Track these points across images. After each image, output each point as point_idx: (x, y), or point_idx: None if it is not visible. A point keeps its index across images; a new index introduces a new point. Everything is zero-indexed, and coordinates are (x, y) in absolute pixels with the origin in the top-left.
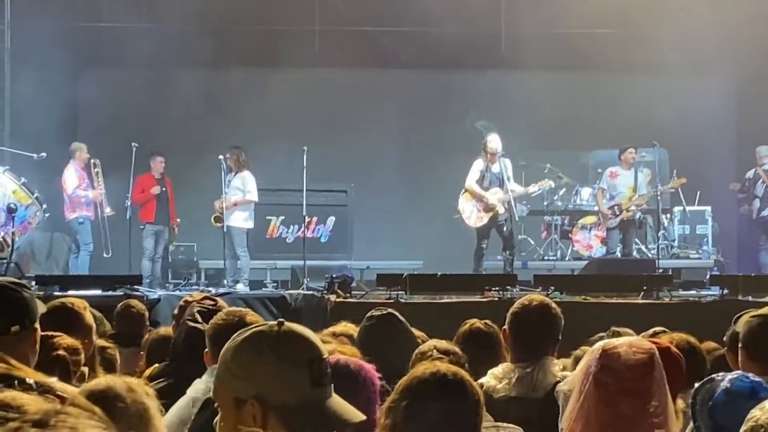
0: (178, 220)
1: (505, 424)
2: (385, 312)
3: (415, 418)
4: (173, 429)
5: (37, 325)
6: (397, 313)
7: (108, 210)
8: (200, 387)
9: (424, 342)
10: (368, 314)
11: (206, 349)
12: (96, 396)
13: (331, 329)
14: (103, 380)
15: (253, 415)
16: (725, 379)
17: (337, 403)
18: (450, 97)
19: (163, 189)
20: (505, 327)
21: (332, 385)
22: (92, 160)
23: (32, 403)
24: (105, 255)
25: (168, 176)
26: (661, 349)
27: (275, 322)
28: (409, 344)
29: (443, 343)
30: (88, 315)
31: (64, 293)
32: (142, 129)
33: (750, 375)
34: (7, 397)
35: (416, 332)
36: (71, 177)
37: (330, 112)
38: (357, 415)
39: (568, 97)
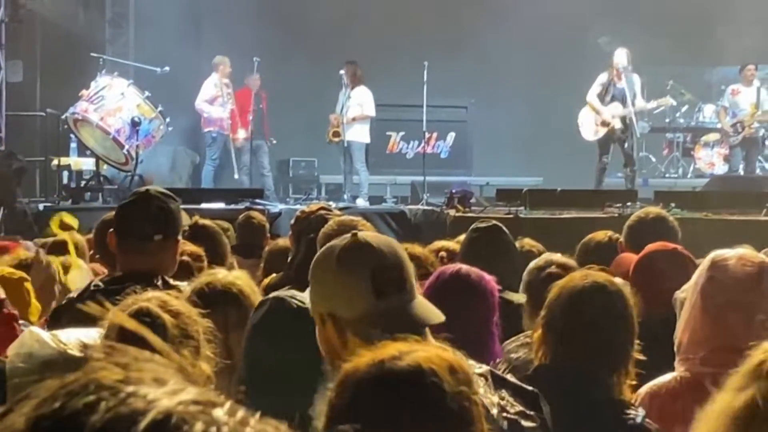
0: (274, 140)
1: None
2: (490, 224)
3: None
4: None
5: (180, 237)
6: (502, 226)
7: (242, 133)
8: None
9: (538, 252)
10: (472, 226)
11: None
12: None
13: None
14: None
15: (331, 332)
16: None
17: (413, 309)
18: (572, 12)
19: (260, 105)
20: (621, 239)
21: (407, 289)
22: (224, 80)
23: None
24: (235, 177)
25: (265, 91)
26: None
27: (348, 235)
28: (514, 257)
29: (558, 257)
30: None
31: (187, 206)
32: (264, 42)
33: None
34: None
35: (530, 242)
36: (204, 89)
37: (451, 27)
38: (437, 317)
39: (692, 12)
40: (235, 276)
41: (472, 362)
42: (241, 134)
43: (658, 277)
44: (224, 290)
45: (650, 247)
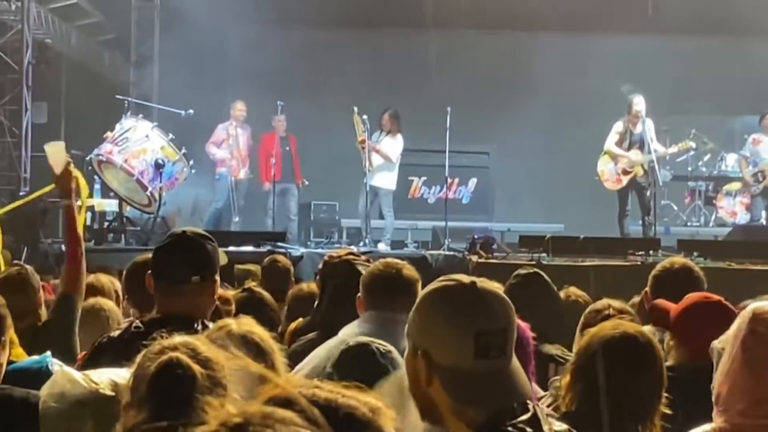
0: (306, 181)
1: None
2: (531, 271)
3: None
4: (321, 366)
5: (217, 277)
6: (543, 273)
7: (243, 173)
8: (353, 330)
9: (585, 302)
10: (515, 273)
11: (359, 294)
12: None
13: None
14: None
15: (421, 367)
16: None
17: (508, 376)
18: (594, 59)
19: (287, 147)
20: (647, 290)
21: (507, 355)
22: (233, 123)
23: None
24: (234, 219)
25: (293, 133)
26: None
27: (469, 281)
28: (554, 304)
29: (617, 303)
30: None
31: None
32: (287, 86)
33: None
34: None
35: (576, 291)
36: (215, 132)
37: (474, 73)
38: (526, 390)
39: (714, 61)
40: (248, 324)
41: (551, 419)
42: (243, 174)
43: (701, 329)
44: (244, 340)
45: (693, 297)
